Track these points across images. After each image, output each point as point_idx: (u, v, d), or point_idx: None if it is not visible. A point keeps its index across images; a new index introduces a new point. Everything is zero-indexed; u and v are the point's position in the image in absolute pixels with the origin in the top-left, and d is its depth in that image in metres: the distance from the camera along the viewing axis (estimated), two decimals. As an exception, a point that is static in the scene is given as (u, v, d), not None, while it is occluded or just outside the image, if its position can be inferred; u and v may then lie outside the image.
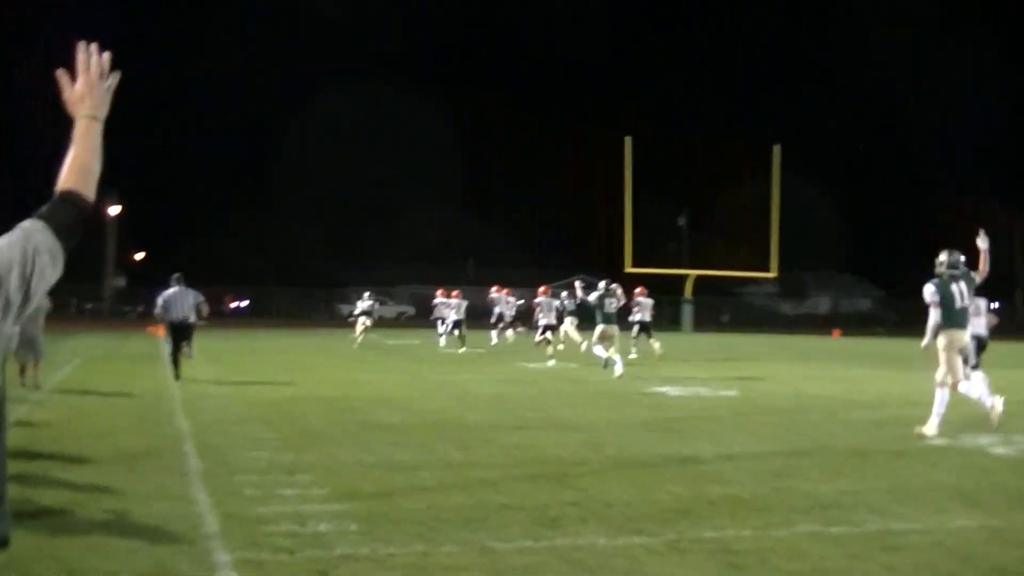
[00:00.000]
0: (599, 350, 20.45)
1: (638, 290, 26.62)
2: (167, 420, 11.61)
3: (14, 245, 2.29)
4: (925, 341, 11.23)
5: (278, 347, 30.57)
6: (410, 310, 72.22)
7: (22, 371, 15.11)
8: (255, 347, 30.21)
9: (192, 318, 17.77)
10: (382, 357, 26.07)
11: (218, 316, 51.09)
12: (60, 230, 2.36)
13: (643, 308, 26.19)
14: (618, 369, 19.29)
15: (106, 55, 2.56)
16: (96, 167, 2.48)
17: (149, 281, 35.20)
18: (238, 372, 19.56)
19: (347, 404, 13.57)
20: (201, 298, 18.05)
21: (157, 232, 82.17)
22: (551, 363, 23.33)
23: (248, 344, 31.96)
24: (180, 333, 17.67)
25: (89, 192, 2.45)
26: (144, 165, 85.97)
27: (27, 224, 2.35)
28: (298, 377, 18.42)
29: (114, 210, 67.87)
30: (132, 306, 63.45)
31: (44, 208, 2.39)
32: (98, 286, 67.06)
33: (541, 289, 26.07)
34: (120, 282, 69.73)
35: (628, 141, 50.34)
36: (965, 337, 11.17)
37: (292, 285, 70.16)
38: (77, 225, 2.40)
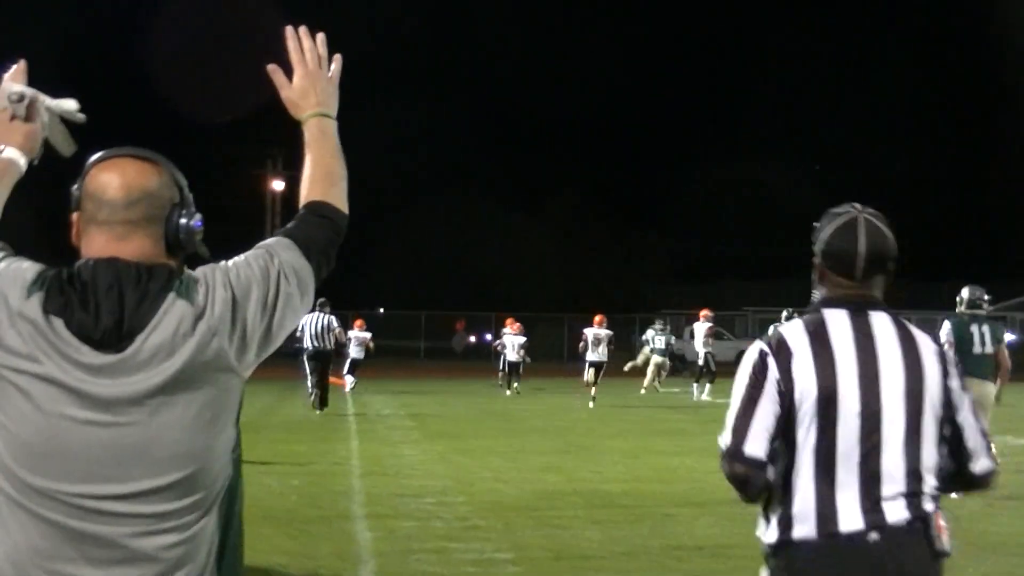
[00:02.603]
0: None
1: None
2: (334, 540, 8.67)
3: (254, 263, 2.06)
4: None
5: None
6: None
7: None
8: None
9: (329, 346, 18.40)
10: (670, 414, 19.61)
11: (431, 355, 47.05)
12: (311, 249, 2.13)
13: None
14: None
15: (321, 37, 2.34)
16: (342, 171, 2.30)
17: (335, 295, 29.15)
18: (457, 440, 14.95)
19: (646, 508, 9.31)
20: (336, 326, 18.81)
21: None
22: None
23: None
24: (317, 364, 18.26)
25: (340, 202, 2.25)
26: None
27: (270, 241, 2.14)
28: (558, 451, 13.30)
29: (278, 186, 52.65)
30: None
31: (290, 224, 2.19)
32: None
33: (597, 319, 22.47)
34: None
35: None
36: (983, 389, 9.80)
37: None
38: (332, 243, 2.20)
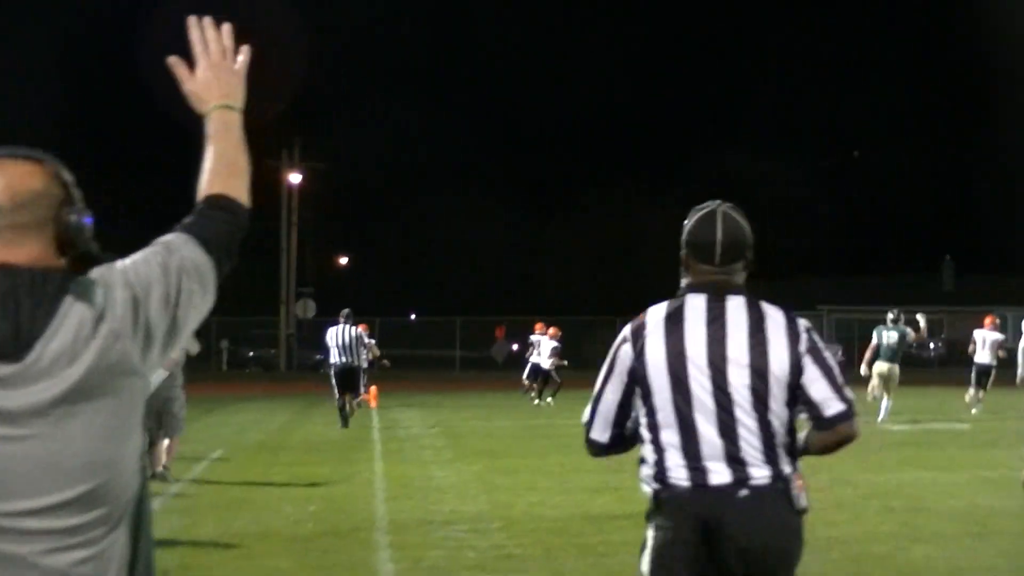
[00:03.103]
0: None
1: None
2: None
3: (152, 259, 2.17)
4: None
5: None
6: None
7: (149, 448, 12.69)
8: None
9: (357, 361, 18.87)
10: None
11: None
12: (211, 244, 2.24)
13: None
14: None
15: (226, 28, 2.47)
16: (245, 164, 2.42)
17: (359, 300, 28.05)
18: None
19: None
20: (367, 339, 19.54)
21: (366, 213, 77.39)
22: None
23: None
24: (345, 380, 18.79)
25: (242, 195, 2.37)
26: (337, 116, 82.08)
27: (168, 237, 2.25)
28: (610, 469, 14.37)
29: (295, 179, 49.66)
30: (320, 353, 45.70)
31: (187, 218, 2.30)
32: (270, 318, 50.02)
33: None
34: (308, 310, 49.95)
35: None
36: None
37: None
38: (233, 237, 2.31)
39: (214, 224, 2.28)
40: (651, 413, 3.45)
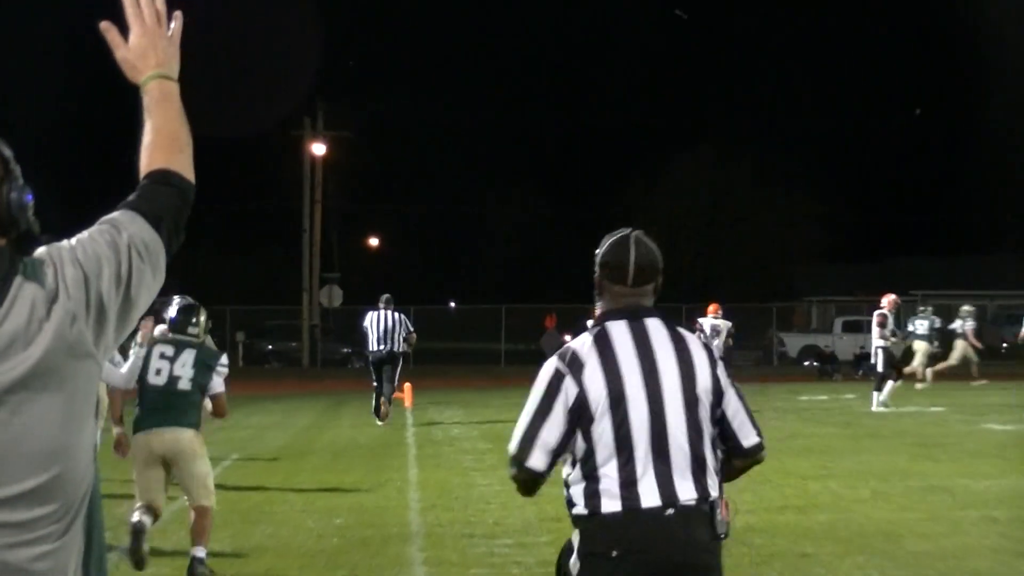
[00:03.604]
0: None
1: None
2: None
3: (99, 238, 2.30)
4: None
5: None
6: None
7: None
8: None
9: (397, 349, 19.64)
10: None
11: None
12: (160, 220, 2.37)
13: None
14: None
15: None
16: (187, 137, 2.54)
17: (391, 287, 25.45)
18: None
19: (777, 545, 10.25)
20: (408, 326, 19.91)
21: (399, 190, 75.08)
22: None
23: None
24: (382, 369, 19.42)
25: (186, 170, 2.50)
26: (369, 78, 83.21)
27: (114, 215, 2.37)
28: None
29: (319, 150, 48.80)
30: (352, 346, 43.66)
31: (131, 196, 2.43)
32: (291, 308, 50.21)
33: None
34: (334, 298, 48.17)
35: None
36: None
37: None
38: (180, 213, 2.44)
39: (160, 200, 2.42)
40: (588, 440, 3.95)
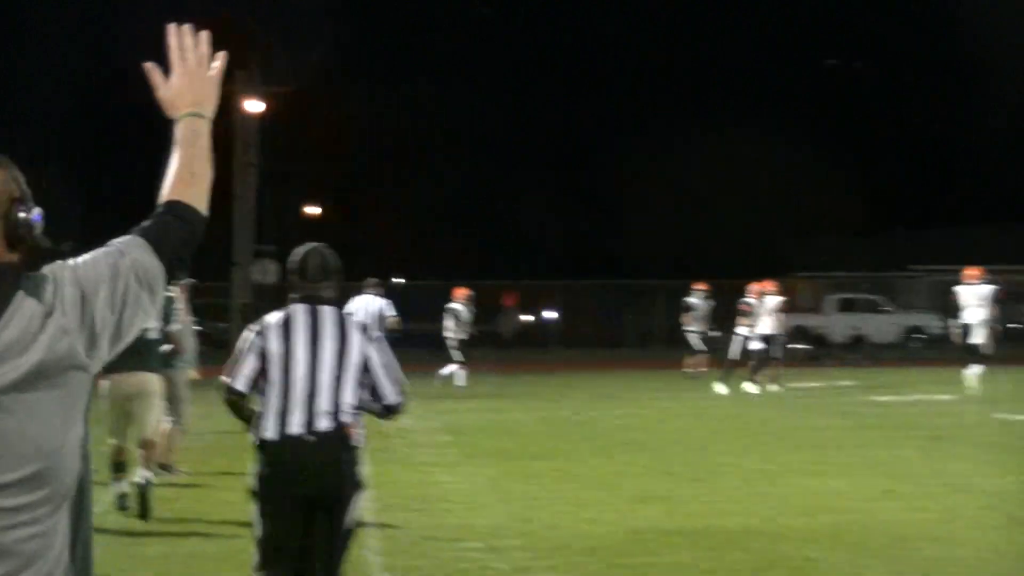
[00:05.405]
0: None
1: None
2: None
3: (103, 260, 2.79)
4: None
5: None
6: None
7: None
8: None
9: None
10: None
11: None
12: (164, 249, 2.88)
13: None
14: None
15: (204, 35, 3.09)
16: (207, 173, 3.06)
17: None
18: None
19: (779, 550, 9.93)
20: (392, 313, 20.58)
21: (344, 153, 73.98)
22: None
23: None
24: None
25: (201, 204, 3.01)
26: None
27: (123, 239, 2.87)
28: (659, 472, 13.64)
29: (255, 107, 48.27)
30: None
31: (145, 221, 2.93)
32: (219, 284, 47.21)
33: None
34: (268, 273, 48.78)
35: None
36: None
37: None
38: (186, 244, 2.96)
39: (169, 230, 2.94)
40: (267, 383, 6.25)
